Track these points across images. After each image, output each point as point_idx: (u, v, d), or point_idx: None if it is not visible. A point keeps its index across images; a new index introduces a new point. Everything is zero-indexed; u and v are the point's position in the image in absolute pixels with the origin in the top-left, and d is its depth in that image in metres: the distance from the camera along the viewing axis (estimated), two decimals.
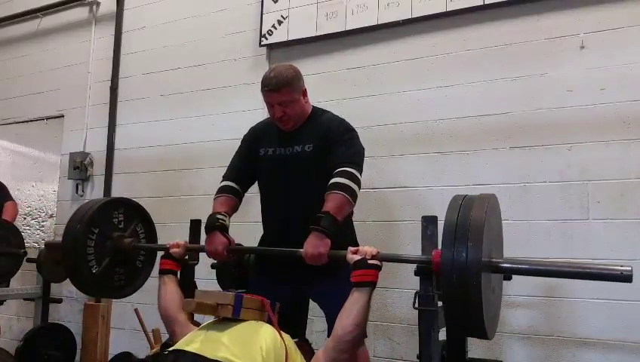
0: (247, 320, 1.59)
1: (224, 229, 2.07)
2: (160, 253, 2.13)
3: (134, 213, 2.18)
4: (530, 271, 1.36)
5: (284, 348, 1.47)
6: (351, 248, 1.73)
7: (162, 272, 1.96)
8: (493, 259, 1.32)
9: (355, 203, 1.99)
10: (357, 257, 1.67)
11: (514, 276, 2.11)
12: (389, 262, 2.77)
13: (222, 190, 2.23)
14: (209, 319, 1.69)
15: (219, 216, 2.08)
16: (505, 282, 2.04)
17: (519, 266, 1.35)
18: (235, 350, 1.39)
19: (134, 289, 2.20)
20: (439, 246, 1.74)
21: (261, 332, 1.50)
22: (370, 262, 1.64)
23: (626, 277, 1.15)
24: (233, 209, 2.20)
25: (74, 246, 1.96)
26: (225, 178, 2.28)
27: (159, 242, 2.31)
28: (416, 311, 1.62)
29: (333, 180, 1.97)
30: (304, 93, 2.17)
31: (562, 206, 2.53)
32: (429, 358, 1.61)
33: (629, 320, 2.32)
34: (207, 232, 2.08)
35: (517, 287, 2.47)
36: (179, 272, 2.22)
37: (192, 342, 1.48)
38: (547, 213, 2.55)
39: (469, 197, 1.36)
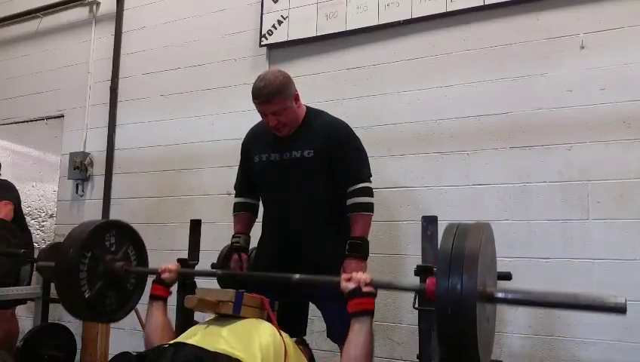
0: (247, 318, 1.60)
1: (239, 250, 2.27)
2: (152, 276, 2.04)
3: (126, 236, 2.12)
4: (522, 301, 1.37)
5: (283, 345, 1.48)
6: (344, 275, 1.64)
7: (152, 298, 1.88)
8: (488, 289, 1.31)
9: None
10: (351, 285, 1.58)
11: (513, 275, 2.13)
12: (389, 262, 2.86)
13: (234, 208, 2.37)
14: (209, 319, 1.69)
15: (233, 241, 2.31)
16: (505, 282, 2.04)
17: (513, 296, 1.36)
18: (234, 343, 1.40)
19: (125, 314, 2.12)
20: (439, 245, 1.75)
21: (261, 328, 1.51)
22: (364, 290, 1.56)
23: (619, 309, 1.15)
24: (247, 224, 2.35)
25: (67, 269, 1.91)
26: (235, 194, 2.40)
27: (159, 245, 2.30)
28: (416, 311, 1.63)
29: (356, 200, 2.11)
30: (296, 97, 2.15)
31: (562, 206, 2.53)
32: (429, 358, 1.61)
33: (629, 320, 2.31)
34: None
35: (517, 287, 2.46)
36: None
37: (192, 335, 1.49)
38: (547, 213, 2.55)
39: (463, 226, 1.34)
